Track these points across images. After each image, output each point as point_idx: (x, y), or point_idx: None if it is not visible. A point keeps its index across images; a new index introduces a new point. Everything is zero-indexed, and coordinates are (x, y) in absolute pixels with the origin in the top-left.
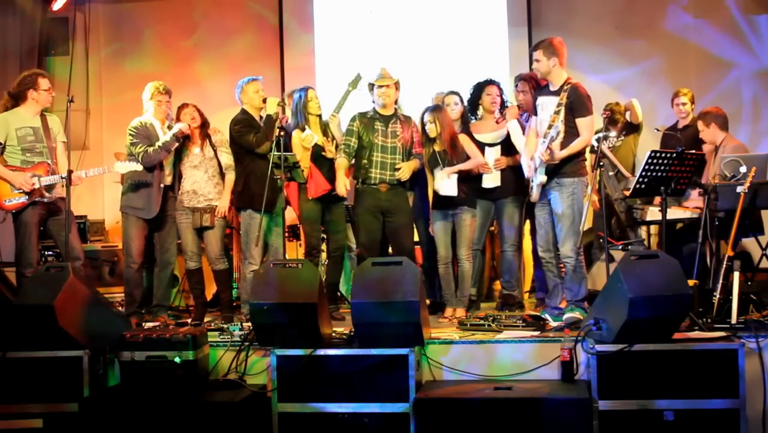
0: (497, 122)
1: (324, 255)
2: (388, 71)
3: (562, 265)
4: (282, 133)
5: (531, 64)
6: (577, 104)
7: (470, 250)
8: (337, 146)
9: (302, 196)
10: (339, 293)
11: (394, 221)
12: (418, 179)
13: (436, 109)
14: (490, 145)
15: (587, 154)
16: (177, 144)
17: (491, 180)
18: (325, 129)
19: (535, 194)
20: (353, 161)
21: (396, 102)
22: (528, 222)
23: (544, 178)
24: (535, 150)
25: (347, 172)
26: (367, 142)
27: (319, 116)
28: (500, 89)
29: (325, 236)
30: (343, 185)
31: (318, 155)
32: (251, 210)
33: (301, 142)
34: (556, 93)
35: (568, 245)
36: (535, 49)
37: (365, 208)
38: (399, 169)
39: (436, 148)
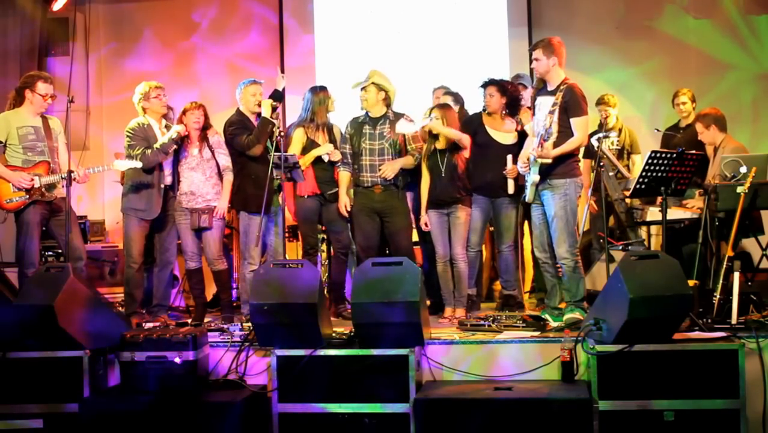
0: (503, 120)
1: (324, 255)
2: (375, 73)
3: (559, 265)
4: (281, 134)
5: (531, 63)
6: (571, 104)
7: (465, 249)
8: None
9: (297, 196)
10: None
11: (390, 222)
12: (417, 178)
13: (445, 107)
14: (502, 144)
15: (580, 156)
16: (175, 146)
17: (510, 187)
18: (330, 130)
19: (529, 194)
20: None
21: (388, 100)
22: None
23: (537, 177)
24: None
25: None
26: (357, 147)
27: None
28: (501, 87)
29: (324, 236)
30: (344, 205)
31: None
32: (245, 212)
33: (325, 154)
34: (553, 93)
35: (563, 247)
36: (534, 48)
37: (360, 210)
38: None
39: (438, 146)
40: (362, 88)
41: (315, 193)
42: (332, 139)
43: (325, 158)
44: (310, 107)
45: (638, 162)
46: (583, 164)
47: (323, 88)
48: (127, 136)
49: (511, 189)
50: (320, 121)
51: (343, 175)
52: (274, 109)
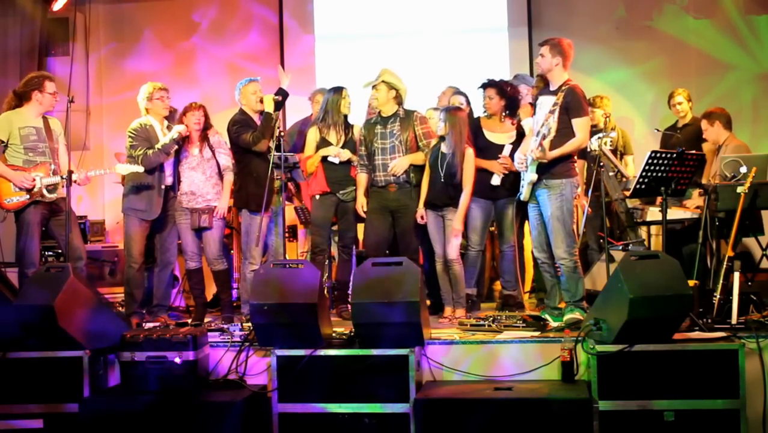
0: (502, 121)
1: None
2: (386, 71)
3: (557, 266)
4: (281, 133)
5: (531, 60)
6: (573, 105)
7: (458, 250)
8: (344, 145)
9: (311, 197)
10: None
11: (401, 221)
12: None
13: (454, 110)
14: (500, 145)
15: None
16: (176, 147)
17: (495, 179)
18: (347, 129)
19: (525, 193)
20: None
21: (399, 99)
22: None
23: (534, 176)
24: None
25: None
26: (370, 148)
27: (345, 116)
28: (500, 89)
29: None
30: (361, 206)
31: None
32: (246, 210)
33: (333, 156)
34: (554, 93)
35: (561, 247)
36: (543, 45)
37: (373, 209)
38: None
39: (443, 149)
40: (373, 87)
41: (325, 192)
42: (349, 139)
43: (334, 160)
44: (324, 106)
45: (631, 163)
46: (577, 165)
47: (339, 89)
48: (129, 136)
49: (495, 180)
50: (332, 121)
51: (360, 178)
52: (277, 104)
